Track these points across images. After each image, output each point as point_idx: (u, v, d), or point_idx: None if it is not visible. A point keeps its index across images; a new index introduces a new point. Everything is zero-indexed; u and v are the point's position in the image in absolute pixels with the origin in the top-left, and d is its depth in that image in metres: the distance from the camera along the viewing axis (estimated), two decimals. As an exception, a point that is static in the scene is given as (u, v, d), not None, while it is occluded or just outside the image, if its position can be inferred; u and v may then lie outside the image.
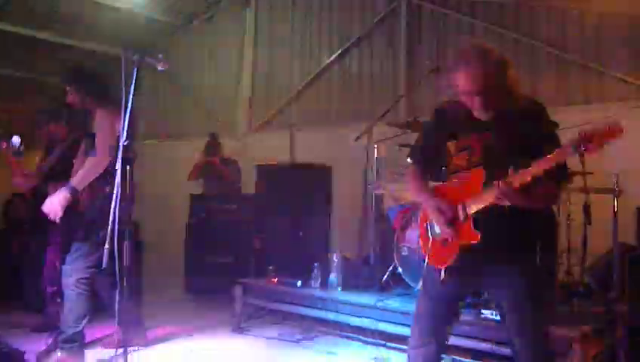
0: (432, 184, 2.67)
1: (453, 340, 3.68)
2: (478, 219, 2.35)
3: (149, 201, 4.09)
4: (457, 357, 3.90)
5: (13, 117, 9.55)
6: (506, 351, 3.07)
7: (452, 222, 2.42)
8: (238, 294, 5.05)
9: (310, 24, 7.82)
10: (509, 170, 2.20)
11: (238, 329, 4.99)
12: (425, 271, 2.62)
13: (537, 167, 2.14)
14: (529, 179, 2.15)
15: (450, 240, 2.45)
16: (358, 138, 5.01)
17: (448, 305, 2.59)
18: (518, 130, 2.34)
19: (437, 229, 2.53)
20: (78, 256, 3.86)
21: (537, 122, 2.39)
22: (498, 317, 3.18)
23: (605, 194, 4.19)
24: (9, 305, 5.50)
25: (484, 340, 3.59)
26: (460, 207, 2.41)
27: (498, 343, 3.45)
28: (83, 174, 3.80)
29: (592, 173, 4.23)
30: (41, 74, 9.42)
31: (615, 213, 4.09)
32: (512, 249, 2.39)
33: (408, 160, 2.77)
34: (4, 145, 4.05)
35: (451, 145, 2.51)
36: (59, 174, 4.19)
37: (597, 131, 2.02)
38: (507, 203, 2.23)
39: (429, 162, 2.67)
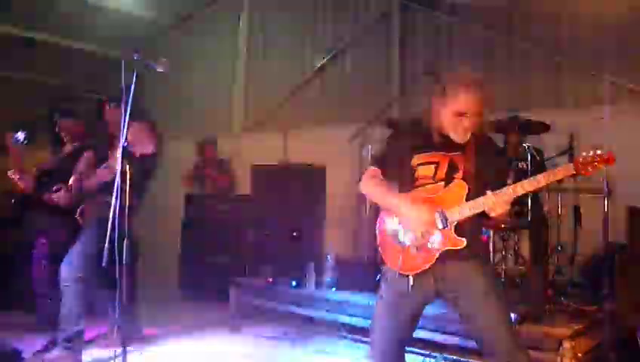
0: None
1: (444, 338, 3.78)
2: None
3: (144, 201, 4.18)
4: (449, 356, 3.96)
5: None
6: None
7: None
8: (234, 293, 5.08)
9: (304, 25, 7.81)
10: (508, 183, 2.43)
11: (234, 328, 5.02)
12: (388, 282, 2.61)
13: (539, 182, 2.38)
14: (532, 190, 2.39)
15: (430, 246, 2.48)
16: (352, 139, 5.08)
17: (410, 317, 2.62)
18: (486, 156, 2.60)
19: (407, 236, 2.52)
20: (78, 254, 3.90)
21: (497, 155, 2.83)
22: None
23: (596, 195, 4.24)
24: (3, 305, 5.49)
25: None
26: (437, 214, 2.47)
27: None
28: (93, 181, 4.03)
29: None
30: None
31: (605, 213, 4.16)
32: (475, 251, 2.57)
33: (372, 167, 2.72)
34: (9, 136, 4.02)
35: (417, 158, 2.58)
36: (55, 180, 4.15)
37: (593, 158, 2.33)
38: (500, 211, 2.41)
39: (393, 172, 2.68)
